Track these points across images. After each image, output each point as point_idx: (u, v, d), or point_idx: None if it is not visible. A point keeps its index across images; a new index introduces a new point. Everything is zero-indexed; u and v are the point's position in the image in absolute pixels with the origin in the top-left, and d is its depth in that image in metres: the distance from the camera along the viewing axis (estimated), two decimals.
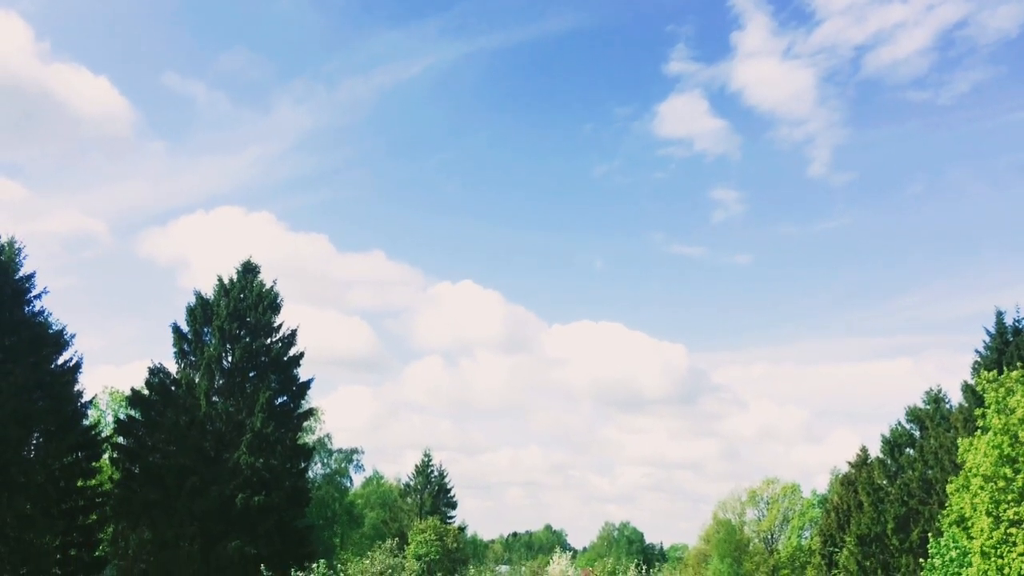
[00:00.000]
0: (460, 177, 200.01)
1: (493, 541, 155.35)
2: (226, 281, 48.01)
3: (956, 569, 30.82)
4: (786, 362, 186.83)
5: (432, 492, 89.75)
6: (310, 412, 54.77)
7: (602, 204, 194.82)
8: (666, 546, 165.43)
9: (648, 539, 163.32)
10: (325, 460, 75.78)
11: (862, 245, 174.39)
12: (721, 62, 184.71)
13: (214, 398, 45.64)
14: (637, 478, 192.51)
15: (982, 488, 22.89)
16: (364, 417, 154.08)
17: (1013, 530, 21.62)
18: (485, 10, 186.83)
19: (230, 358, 46.50)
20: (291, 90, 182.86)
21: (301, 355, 48.04)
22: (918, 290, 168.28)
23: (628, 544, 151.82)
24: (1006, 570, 21.42)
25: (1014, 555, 21.28)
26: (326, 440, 73.91)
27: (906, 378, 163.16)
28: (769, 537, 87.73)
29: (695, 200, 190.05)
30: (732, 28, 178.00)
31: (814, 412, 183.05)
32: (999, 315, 43.91)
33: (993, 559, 21.91)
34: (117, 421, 46.86)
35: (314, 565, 36.38)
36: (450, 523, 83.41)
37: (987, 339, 44.18)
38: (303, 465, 49.57)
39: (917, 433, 49.82)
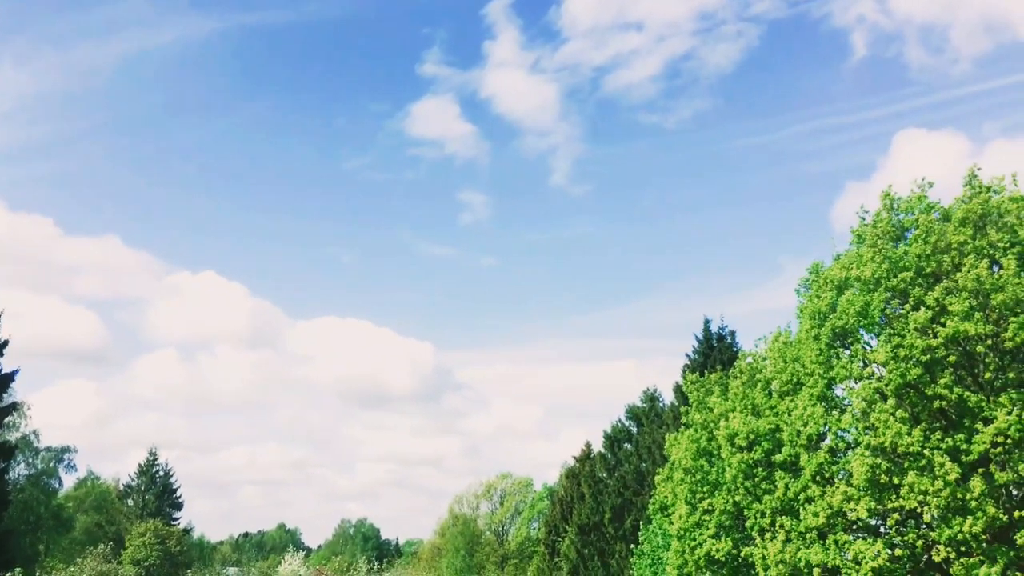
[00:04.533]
0: (205, 160, 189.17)
1: (222, 542, 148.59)
2: None
3: (660, 553, 33.85)
4: (526, 362, 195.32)
5: (156, 493, 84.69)
6: (13, 407, 49.68)
7: (352, 199, 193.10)
8: (403, 541, 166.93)
9: (386, 535, 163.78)
10: (30, 459, 68.76)
11: (598, 253, 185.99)
12: (473, 69, 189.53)
13: None
14: (379, 475, 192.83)
15: (683, 480, 25.28)
16: (85, 413, 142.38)
17: (705, 516, 24.11)
18: None
19: None
20: (11, 47, 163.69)
21: (5, 343, 43.43)
22: (646, 297, 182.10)
23: (364, 541, 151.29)
24: (697, 550, 23.86)
25: (704, 537, 23.77)
26: (32, 437, 67.10)
27: (631, 378, 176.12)
28: (501, 529, 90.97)
29: (445, 201, 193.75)
30: (485, 37, 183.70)
31: (549, 410, 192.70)
32: (706, 323, 48.41)
33: (687, 541, 24.32)
34: None
35: (9, 574, 32.97)
36: (174, 525, 79.08)
37: (696, 344, 48.55)
38: (2, 465, 44.73)
39: (635, 429, 53.80)
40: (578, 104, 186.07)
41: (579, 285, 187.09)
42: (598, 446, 56.19)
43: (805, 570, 21.10)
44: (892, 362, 20.01)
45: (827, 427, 21.96)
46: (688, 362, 47.50)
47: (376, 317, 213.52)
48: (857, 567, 19.97)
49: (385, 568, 79.41)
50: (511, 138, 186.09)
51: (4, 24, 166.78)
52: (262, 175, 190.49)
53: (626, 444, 53.73)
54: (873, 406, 20.18)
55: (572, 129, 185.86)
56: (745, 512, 23.25)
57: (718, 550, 23.47)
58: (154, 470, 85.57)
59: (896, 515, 20.18)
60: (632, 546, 38.97)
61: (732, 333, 47.44)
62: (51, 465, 71.59)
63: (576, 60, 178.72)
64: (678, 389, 46.95)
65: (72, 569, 43.69)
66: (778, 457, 22.51)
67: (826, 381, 22.04)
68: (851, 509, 20.35)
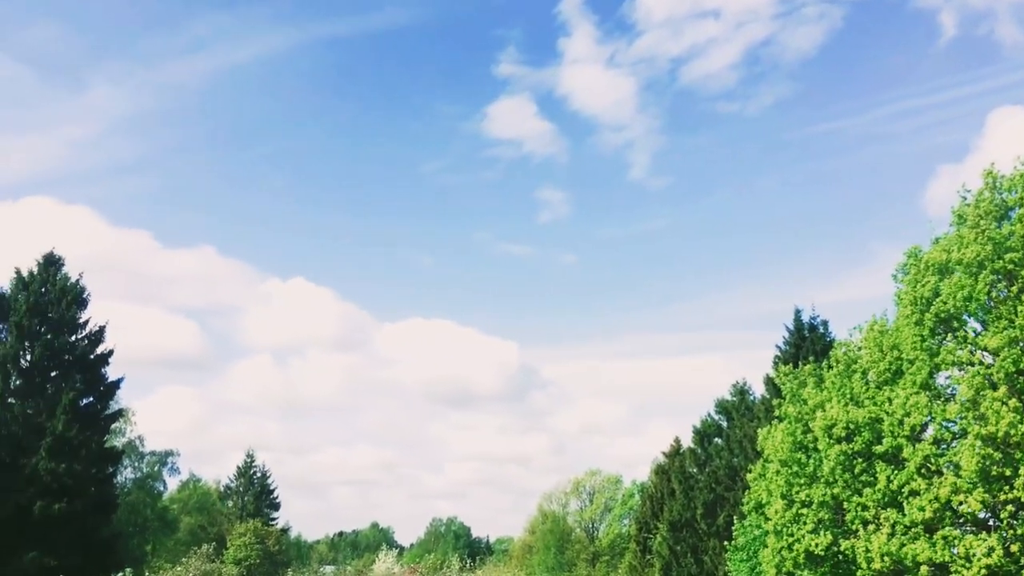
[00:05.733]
0: (291, 169, 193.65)
1: (318, 542, 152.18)
2: (24, 274, 44.54)
3: (756, 548, 33.13)
4: (610, 358, 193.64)
5: (255, 494, 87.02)
6: (119, 413, 51.77)
7: (431, 201, 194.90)
8: (493, 539, 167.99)
9: (475, 533, 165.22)
10: (136, 464, 71.69)
11: (678, 246, 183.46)
12: (549, 67, 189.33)
13: (10, 400, 42.24)
14: (466, 474, 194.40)
15: (778, 473, 24.63)
16: (185, 419, 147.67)
17: (804, 510, 23.43)
18: None
19: (29, 356, 43.12)
20: (106, 69, 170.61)
21: (110, 353, 45.32)
22: (729, 288, 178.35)
23: (455, 539, 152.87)
24: (795, 545, 23.20)
25: (803, 532, 23.11)
26: (137, 443, 69.93)
27: (717, 372, 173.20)
28: (591, 526, 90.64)
29: (523, 200, 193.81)
30: (559, 35, 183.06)
31: (634, 406, 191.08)
32: (797, 313, 47.13)
33: (785, 537, 23.67)
34: None
35: (120, 574, 34.39)
36: (272, 525, 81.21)
37: (786, 335, 47.27)
38: (111, 470, 46.73)
39: (725, 424, 52.81)
40: (656, 96, 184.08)
41: (661, 278, 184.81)
42: (687, 441, 55.47)
43: (911, 565, 20.30)
44: (1006, 349, 19.09)
45: (931, 416, 21.10)
46: (779, 353, 46.29)
47: (460, 317, 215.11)
48: (968, 564, 19.12)
49: (478, 566, 79.98)
50: (589, 134, 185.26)
51: (98, 48, 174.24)
52: (345, 181, 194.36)
53: (716, 439, 52.79)
54: (982, 394, 19.30)
55: (650, 122, 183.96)
56: (845, 505, 22.52)
57: (816, 544, 22.80)
58: (251, 472, 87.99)
59: (1009, 507, 19.27)
60: (726, 542, 38.26)
61: (824, 323, 46.01)
62: (156, 469, 74.53)
63: (652, 52, 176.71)
64: (769, 381, 45.84)
65: (178, 569, 45.32)
66: (879, 448, 21.74)
67: (929, 369, 21.19)
68: (961, 502, 19.52)
